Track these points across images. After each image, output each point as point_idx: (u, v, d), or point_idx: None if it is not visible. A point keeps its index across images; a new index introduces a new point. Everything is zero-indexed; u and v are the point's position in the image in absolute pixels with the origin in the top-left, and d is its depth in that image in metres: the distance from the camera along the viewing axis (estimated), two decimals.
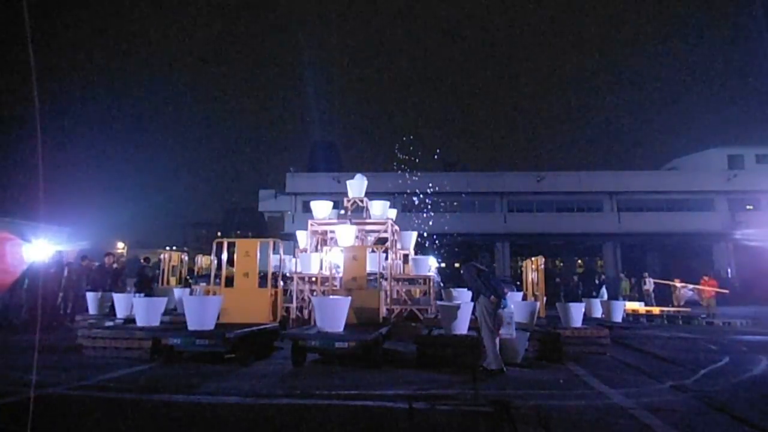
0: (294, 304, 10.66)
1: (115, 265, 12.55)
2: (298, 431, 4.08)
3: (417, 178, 31.16)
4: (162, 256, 14.38)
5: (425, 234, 23.60)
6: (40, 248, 13.89)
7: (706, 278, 17.36)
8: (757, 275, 25.22)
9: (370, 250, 10.39)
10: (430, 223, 28.55)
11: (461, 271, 7.06)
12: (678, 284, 18.01)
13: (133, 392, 5.19)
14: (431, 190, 30.57)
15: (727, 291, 18.41)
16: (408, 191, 31.02)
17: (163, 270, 13.96)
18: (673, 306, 17.42)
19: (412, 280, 11.99)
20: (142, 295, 9.75)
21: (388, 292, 10.50)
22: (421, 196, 30.89)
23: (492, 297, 6.49)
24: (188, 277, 15.88)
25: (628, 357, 8.02)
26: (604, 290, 16.71)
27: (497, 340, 6.42)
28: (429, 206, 31.03)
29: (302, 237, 12.33)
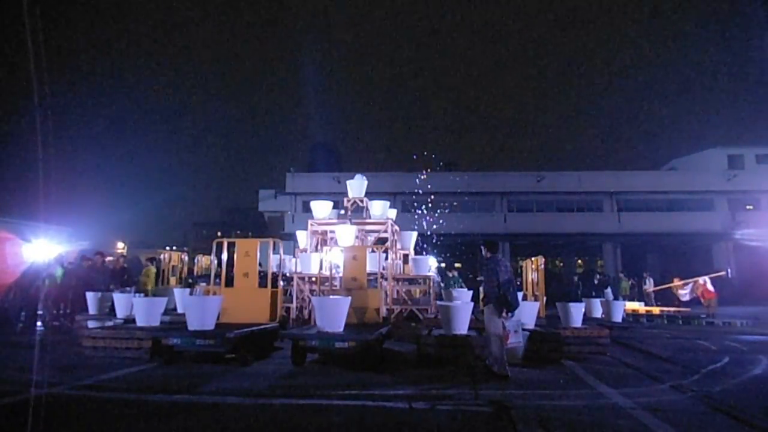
0: (294, 304, 10.66)
1: (110, 266, 12.49)
2: (298, 431, 4.08)
3: (417, 178, 31.18)
4: (162, 256, 14.38)
5: (426, 234, 23.61)
6: (40, 248, 13.89)
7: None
8: (757, 275, 25.22)
9: (370, 250, 10.39)
10: (429, 222, 28.57)
11: (487, 262, 6.50)
12: (677, 283, 17.99)
13: (133, 392, 5.19)
14: (431, 190, 30.59)
15: (723, 273, 18.44)
16: (408, 191, 31.03)
17: (163, 270, 13.97)
18: (674, 305, 17.41)
19: (412, 280, 11.99)
20: (142, 295, 9.75)
21: (388, 292, 10.50)
22: (421, 196, 30.91)
23: (506, 313, 6.24)
24: (188, 278, 15.88)
25: (628, 357, 8.02)
26: (609, 291, 16.68)
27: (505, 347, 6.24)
28: (429, 206, 31.05)
29: (302, 237, 12.33)
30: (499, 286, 6.28)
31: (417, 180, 30.44)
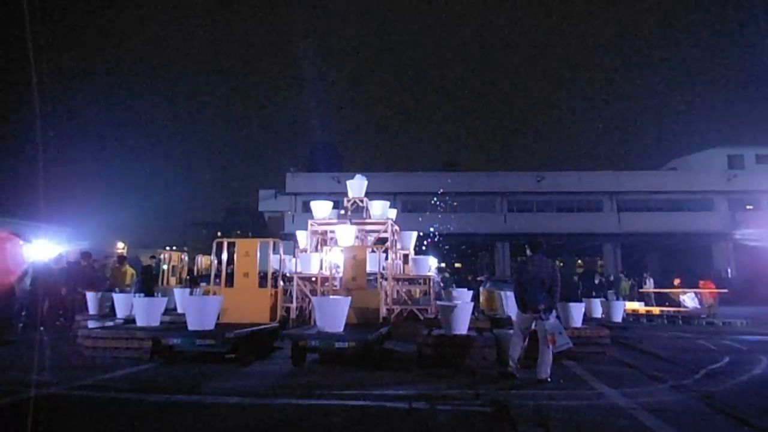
0: (294, 304, 10.66)
1: (95, 265, 12.40)
2: (298, 431, 4.08)
3: (417, 178, 31.17)
4: (162, 256, 14.38)
5: (425, 234, 23.61)
6: (40, 248, 13.88)
7: (702, 282, 17.32)
8: (757, 275, 25.21)
9: (370, 250, 10.38)
10: (428, 222, 28.56)
11: (546, 265, 6.18)
12: (678, 290, 17.93)
13: (133, 392, 5.19)
14: (431, 190, 30.59)
15: (726, 291, 18.38)
16: (408, 191, 31.03)
17: (163, 270, 13.98)
18: (673, 306, 17.40)
19: (412, 280, 11.98)
20: (142, 295, 9.74)
21: (388, 292, 10.50)
22: (421, 196, 30.90)
23: (539, 313, 6.07)
24: (188, 277, 15.86)
25: (628, 357, 8.02)
26: (612, 292, 16.69)
27: (550, 351, 5.98)
28: (429, 206, 31.05)
29: (302, 237, 12.32)
30: (518, 285, 6.28)
31: (416, 179, 30.42)
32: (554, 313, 6.21)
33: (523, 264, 6.43)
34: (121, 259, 13.20)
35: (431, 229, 25.67)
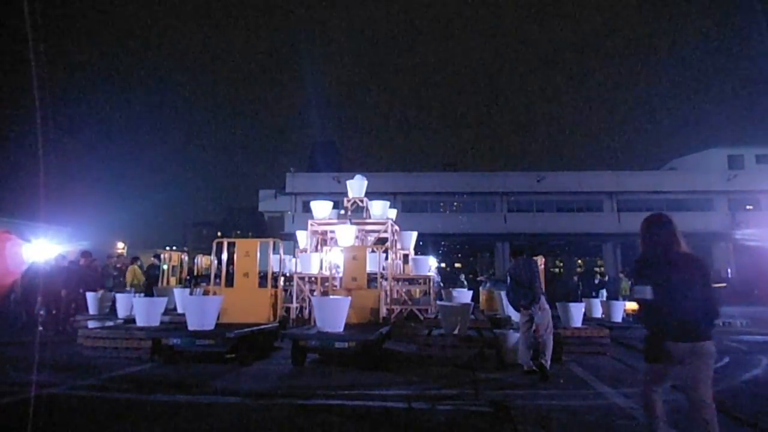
0: (294, 304, 10.66)
1: (96, 265, 12.40)
2: (298, 431, 4.08)
3: (417, 178, 31.16)
4: (162, 256, 14.37)
5: (425, 234, 23.62)
6: (40, 248, 13.88)
7: None
8: (757, 275, 25.20)
9: (370, 250, 10.39)
10: (428, 222, 28.58)
11: (528, 266, 6.55)
12: None
13: (133, 392, 5.20)
14: (431, 190, 30.58)
15: (725, 285, 18.33)
16: (408, 191, 31.03)
17: (164, 270, 13.96)
18: None
19: (412, 280, 11.99)
20: (143, 295, 9.75)
21: (388, 292, 10.50)
22: (421, 196, 30.89)
23: (523, 309, 6.53)
24: (188, 277, 15.84)
25: (628, 357, 8.02)
26: (603, 291, 16.69)
27: (550, 344, 6.32)
28: (429, 206, 31.06)
29: (302, 237, 12.33)
30: (509, 290, 6.61)
31: (416, 179, 30.38)
32: (539, 305, 6.34)
33: (510, 270, 6.76)
34: (134, 259, 13.57)
35: (436, 261, 25.61)
